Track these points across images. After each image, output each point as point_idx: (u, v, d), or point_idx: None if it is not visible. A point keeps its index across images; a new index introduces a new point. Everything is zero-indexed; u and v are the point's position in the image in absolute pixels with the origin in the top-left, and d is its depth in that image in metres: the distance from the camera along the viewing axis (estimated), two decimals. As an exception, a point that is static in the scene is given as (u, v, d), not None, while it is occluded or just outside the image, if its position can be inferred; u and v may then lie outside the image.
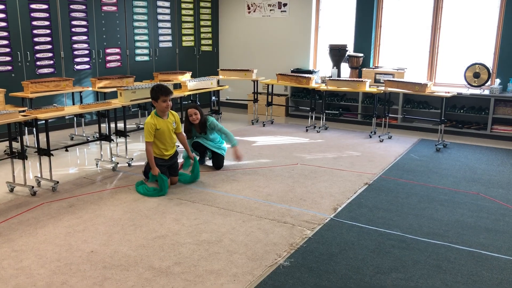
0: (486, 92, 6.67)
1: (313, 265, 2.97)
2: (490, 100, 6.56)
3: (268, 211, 3.86)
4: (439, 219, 3.73)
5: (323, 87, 6.90)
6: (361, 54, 7.59)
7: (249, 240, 3.30)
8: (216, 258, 3.04)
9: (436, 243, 3.31)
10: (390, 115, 6.74)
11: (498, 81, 6.66)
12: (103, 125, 5.33)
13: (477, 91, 6.77)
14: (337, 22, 8.13)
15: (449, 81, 7.27)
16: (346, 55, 7.61)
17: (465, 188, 4.49)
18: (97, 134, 5.41)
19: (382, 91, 6.46)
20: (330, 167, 5.07)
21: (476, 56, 6.93)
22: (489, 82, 6.77)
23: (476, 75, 6.76)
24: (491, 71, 6.76)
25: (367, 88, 6.57)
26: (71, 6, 6.73)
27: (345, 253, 3.14)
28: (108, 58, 7.33)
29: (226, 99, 8.33)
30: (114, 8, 7.29)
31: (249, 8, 8.75)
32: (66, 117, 6.55)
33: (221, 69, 7.83)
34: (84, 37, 6.96)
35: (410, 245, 3.28)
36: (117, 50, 7.43)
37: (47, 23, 6.48)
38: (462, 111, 6.89)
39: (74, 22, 6.80)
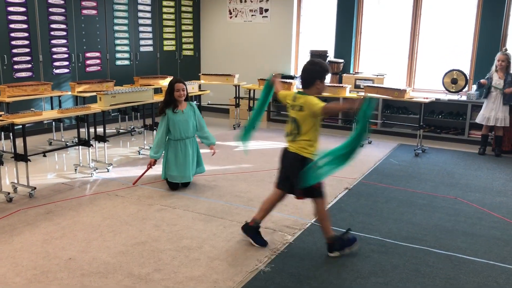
0: (464, 98, 6.79)
1: (293, 270, 2.98)
2: (468, 105, 6.68)
3: (250, 216, 3.83)
4: (418, 224, 3.78)
5: (304, 92, 6.93)
6: (342, 60, 7.67)
7: (230, 246, 3.29)
8: (196, 265, 3.02)
9: (415, 247, 3.35)
10: (370, 120, 6.80)
11: (475, 87, 6.79)
12: (82, 130, 5.26)
13: (454, 97, 6.90)
14: (318, 28, 8.20)
15: (428, 87, 7.39)
16: (327, 61, 7.67)
17: (443, 193, 4.56)
18: (76, 139, 5.34)
19: (362, 97, 6.51)
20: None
21: (454, 63, 7.07)
22: (466, 88, 6.91)
23: (454, 81, 6.89)
24: (468, 78, 6.90)
25: (347, 94, 6.63)
26: (50, 9, 6.65)
27: (325, 258, 3.15)
28: (88, 62, 7.25)
29: (208, 104, 8.31)
30: (94, 11, 7.22)
31: (230, 13, 8.77)
32: (45, 122, 6.45)
33: (202, 74, 7.82)
34: (64, 41, 6.87)
35: (390, 249, 3.31)
36: (97, 54, 7.36)
37: (25, 26, 6.38)
38: (440, 116, 7.01)
39: (53, 26, 6.71)
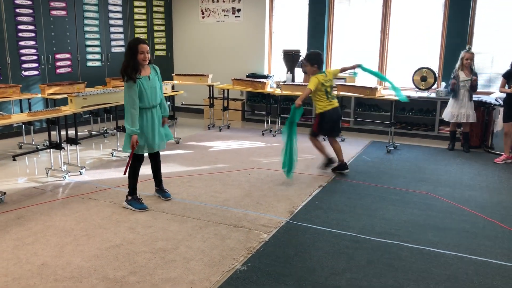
0: (433, 95, 6.96)
1: (269, 268, 3.00)
2: (437, 102, 6.85)
3: (225, 216, 3.86)
4: (391, 219, 3.86)
5: (278, 91, 6.99)
6: (314, 59, 7.73)
7: (205, 247, 3.29)
8: (172, 266, 3.01)
9: (388, 242, 3.42)
10: (342, 118, 6.90)
11: (443, 84, 6.97)
12: (53, 133, 5.16)
13: (424, 94, 7.06)
14: (290, 28, 8.26)
15: (398, 85, 7.50)
16: (300, 60, 7.73)
17: (415, 188, 4.66)
18: (47, 142, 5.23)
19: (335, 95, 6.60)
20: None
21: (423, 61, 7.23)
22: (435, 85, 7.07)
23: (423, 79, 7.05)
24: (437, 75, 7.06)
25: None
26: (18, 10, 6.49)
27: (301, 255, 3.19)
28: (58, 63, 7.12)
29: (181, 104, 8.27)
30: (63, 12, 7.09)
31: (203, 13, 8.74)
32: (14, 125, 6.30)
33: (176, 74, 7.77)
34: (32, 42, 6.72)
35: (364, 245, 3.37)
36: (68, 56, 7.23)
37: (-9, 27, 6.22)
38: (410, 113, 7.16)
39: (20, 27, 6.56)
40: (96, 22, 7.58)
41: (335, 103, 5.01)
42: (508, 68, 5.60)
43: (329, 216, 3.89)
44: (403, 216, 3.93)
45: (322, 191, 4.53)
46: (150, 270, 2.96)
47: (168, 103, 7.03)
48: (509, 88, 5.48)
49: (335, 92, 5.43)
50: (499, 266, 3.07)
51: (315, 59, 4.97)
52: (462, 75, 6.10)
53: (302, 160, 5.61)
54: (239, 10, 8.41)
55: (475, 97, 6.22)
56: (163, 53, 8.95)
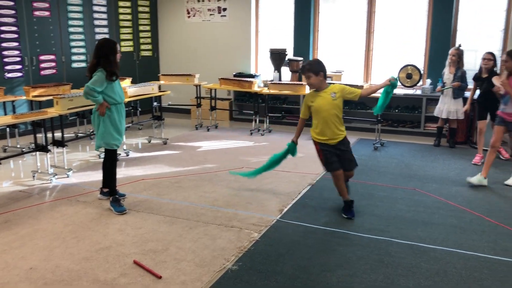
0: (418, 92, 7.03)
1: (261, 267, 3.00)
2: (422, 99, 6.92)
3: (215, 216, 3.85)
4: (380, 215, 3.89)
5: (265, 90, 6.99)
6: (301, 58, 7.76)
7: (196, 247, 3.29)
8: (163, 267, 3.00)
9: (378, 238, 3.45)
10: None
11: (429, 81, 7.04)
12: (39, 135, 5.10)
13: (410, 91, 7.12)
14: (276, 27, 8.27)
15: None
16: (286, 59, 7.75)
17: (403, 184, 4.71)
18: (33, 145, 5.17)
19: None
20: (275, 169, 5.12)
21: (408, 58, 7.29)
22: (420, 83, 7.15)
23: (409, 76, 7.11)
24: (422, 72, 7.14)
25: (307, 91, 6.71)
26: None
27: (292, 253, 3.20)
28: (42, 65, 7.03)
29: (168, 105, 8.23)
30: (47, 13, 7.00)
31: (188, 13, 8.71)
32: (-2, 128, 6.21)
33: (162, 74, 7.73)
34: (15, 44, 6.63)
35: (354, 241, 3.39)
36: (52, 57, 7.14)
37: (-27, 29, 6.12)
38: (397, 110, 7.22)
39: (3, 28, 6.46)
40: (81, 22, 7.51)
41: None
42: (477, 72, 5.76)
43: (319, 214, 3.91)
44: (391, 212, 3.96)
45: (312, 189, 4.54)
46: (141, 272, 2.94)
47: (155, 103, 7.01)
48: (480, 89, 5.63)
49: None
50: (486, 260, 3.12)
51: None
52: (447, 72, 6.19)
53: (291, 159, 5.61)
54: (225, 9, 8.40)
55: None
56: (149, 53, 8.90)
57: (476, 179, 4.65)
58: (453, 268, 3.01)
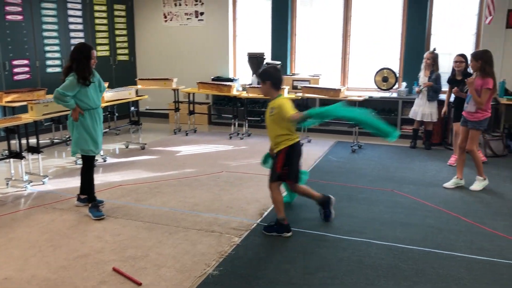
0: (394, 95, 7.14)
1: (242, 271, 3.00)
2: (398, 102, 7.03)
3: (195, 221, 3.83)
4: (358, 217, 3.93)
5: (244, 94, 7.00)
6: (279, 62, 7.79)
7: (176, 253, 3.26)
8: (143, 274, 2.96)
9: (357, 240, 3.48)
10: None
11: (404, 84, 7.16)
12: (13, 142, 4.98)
13: (386, 94, 7.23)
14: (254, 31, 8.29)
15: (361, 86, 7.69)
16: (265, 63, 7.76)
17: (381, 186, 4.77)
18: (7, 151, 5.04)
19: (300, 97, 6.69)
20: (255, 173, 5.14)
21: (384, 62, 7.41)
22: (396, 85, 7.26)
23: (385, 79, 7.22)
24: (397, 76, 7.25)
25: (286, 95, 6.75)
26: (-29, 15, 6.25)
27: (273, 257, 3.20)
28: (16, 70, 6.87)
29: (146, 109, 8.15)
30: (19, 17, 6.86)
31: (165, 17, 8.66)
32: (-30, 135, 6.04)
33: (139, 79, 7.65)
34: (-13, 48, 6.47)
35: (334, 244, 3.42)
36: (26, 62, 6.99)
37: None
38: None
39: (-26, 32, 6.31)
40: (55, 27, 7.38)
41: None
42: (449, 75, 5.87)
43: (299, 217, 3.92)
44: (370, 214, 4.01)
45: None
46: (121, 279, 2.90)
47: (132, 108, 6.93)
48: (450, 94, 5.76)
49: None
50: (462, 259, 3.19)
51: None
52: (422, 75, 6.32)
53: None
54: (202, 13, 8.38)
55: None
56: (125, 58, 8.81)
57: (453, 182, 4.75)
58: (431, 268, 3.06)
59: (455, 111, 5.77)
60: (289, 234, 3.54)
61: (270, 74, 3.58)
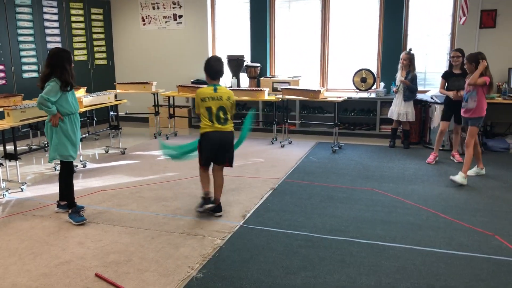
0: (373, 95, 7.24)
1: (225, 273, 3.00)
2: (377, 102, 7.13)
3: (178, 225, 3.82)
4: (340, 216, 3.97)
5: (223, 97, 6.98)
6: (258, 64, 7.83)
7: (159, 257, 3.24)
8: (126, 278, 2.94)
9: (339, 239, 3.52)
10: (289, 121, 7.05)
11: (382, 84, 7.27)
12: (-11, 149, 4.89)
13: (365, 94, 7.33)
14: (233, 33, 8.31)
15: (340, 87, 7.77)
16: (244, 65, 7.79)
17: (361, 185, 4.83)
18: (-17, 159, 4.95)
19: (280, 99, 6.73)
20: (236, 175, 5.15)
21: (362, 63, 7.50)
22: (374, 86, 7.36)
23: (363, 80, 7.31)
24: (376, 76, 7.36)
25: (266, 97, 6.79)
26: None
27: (256, 258, 3.21)
28: (-9, 75, 6.75)
29: (125, 114, 8.09)
30: (-6, 21, 6.74)
31: (144, 20, 8.61)
32: None
33: (118, 83, 7.58)
34: (-39, 54, 6.34)
35: (316, 243, 3.45)
36: (1, 67, 6.87)
37: None
38: (353, 114, 7.41)
39: None
40: (31, 31, 7.27)
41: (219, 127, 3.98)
42: (446, 69, 5.92)
43: (281, 218, 3.95)
44: (351, 212, 4.06)
45: (273, 194, 4.58)
46: (104, 285, 2.87)
47: (112, 112, 6.87)
48: (447, 89, 5.71)
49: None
50: (442, 254, 3.25)
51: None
52: (399, 75, 6.43)
53: (252, 164, 5.65)
54: (180, 16, 8.36)
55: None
56: (103, 62, 8.72)
57: (473, 171, 5.13)
58: (412, 264, 3.11)
59: (444, 109, 5.83)
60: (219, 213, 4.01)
61: (207, 66, 4.19)
